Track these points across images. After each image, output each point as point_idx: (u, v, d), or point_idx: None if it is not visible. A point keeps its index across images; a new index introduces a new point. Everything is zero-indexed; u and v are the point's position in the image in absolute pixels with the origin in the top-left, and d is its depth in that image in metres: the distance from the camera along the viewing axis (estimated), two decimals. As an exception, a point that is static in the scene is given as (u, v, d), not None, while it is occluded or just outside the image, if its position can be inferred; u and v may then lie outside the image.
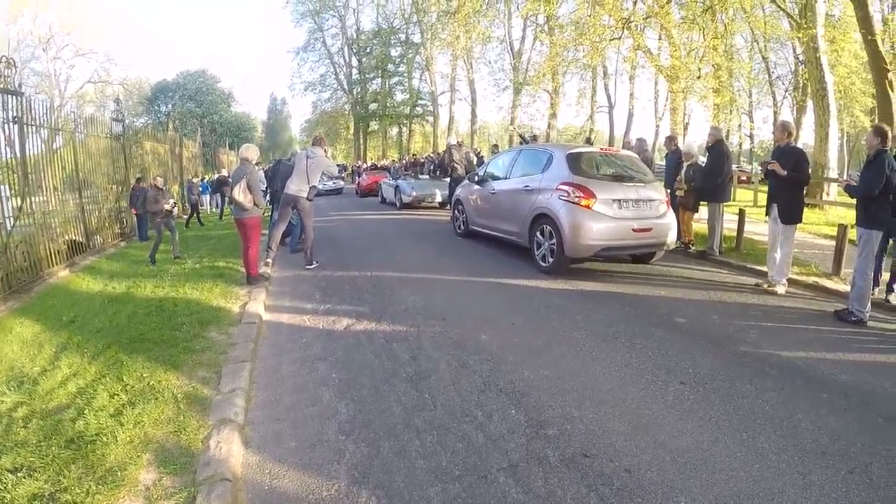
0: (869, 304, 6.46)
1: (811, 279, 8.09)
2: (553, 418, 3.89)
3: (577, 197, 7.92)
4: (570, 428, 3.75)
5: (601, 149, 10.11)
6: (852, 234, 7.55)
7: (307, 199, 9.01)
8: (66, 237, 10.61)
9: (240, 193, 7.85)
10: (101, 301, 7.30)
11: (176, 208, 12.20)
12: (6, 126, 8.46)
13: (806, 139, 34.52)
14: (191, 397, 4.24)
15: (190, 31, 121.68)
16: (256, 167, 14.01)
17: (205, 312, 6.48)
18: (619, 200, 8.08)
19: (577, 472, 3.26)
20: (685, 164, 9.98)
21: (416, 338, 5.64)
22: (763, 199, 18.19)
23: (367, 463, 3.41)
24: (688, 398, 4.22)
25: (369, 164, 43.64)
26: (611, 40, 20.65)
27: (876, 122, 12.47)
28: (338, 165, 52.57)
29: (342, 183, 33.72)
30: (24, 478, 3.17)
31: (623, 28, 19.33)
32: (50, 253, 9.49)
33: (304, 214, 9.18)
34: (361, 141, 59.54)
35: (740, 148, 43.53)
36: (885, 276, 7.28)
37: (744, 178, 25.81)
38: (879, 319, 6.57)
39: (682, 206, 9.99)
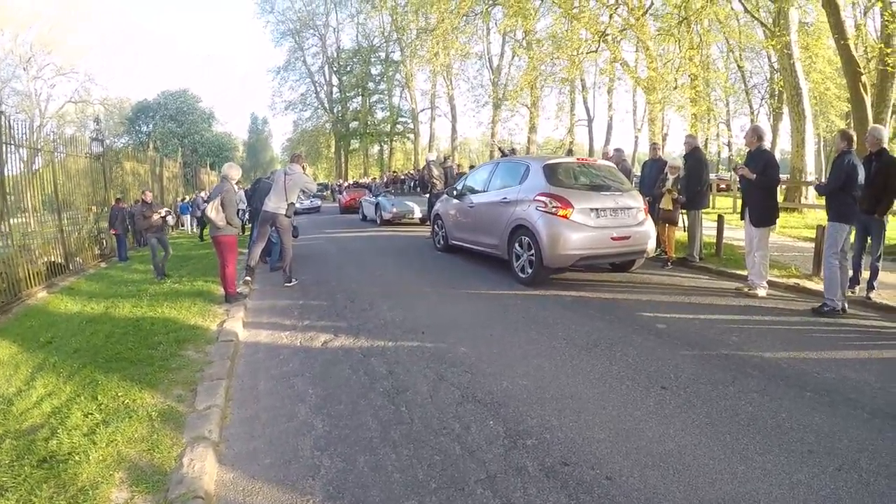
0: (839, 292, 6.64)
1: (792, 280, 8.12)
2: (532, 428, 3.80)
3: (554, 207, 7.89)
4: (550, 437, 3.67)
5: (578, 159, 10.09)
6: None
7: (285, 215, 8.89)
8: (46, 258, 10.48)
9: (212, 210, 7.76)
10: (78, 322, 7.19)
11: (170, 216, 11.99)
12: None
13: (783, 145, 34.92)
14: (165, 415, 4.16)
15: (159, 24, 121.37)
16: (237, 186, 13.91)
17: (182, 331, 6.40)
18: (597, 209, 8.05)
19: (556, 481, 3.17)
20: (671, 178, 9.83)
21: (393, 352, 5.54)
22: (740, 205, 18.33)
23: (343, 478, 3.32)
24: (669, 403, 4.15)
25: (351, 181, 43.54)
26: (588, 53, 20.76)
27: (850, 125, 12.62)
28: (319, 184, 52.67)
29: (319, 202, 33.76)
30: (-3, 498, 3.08)
31: (599, 41, 19.44)
32: (29, 275, 9.35)
33: (283, 231, 9.05)
34: (343, 159, 59.51)
35: (719, 156, 43.89)
36: (866, 274, 7.33)
37: (723, 185, 25.97)
38: (861, 317, 6.62)
39: (666, 220, 9.83)
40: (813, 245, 8.77)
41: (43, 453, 3.58)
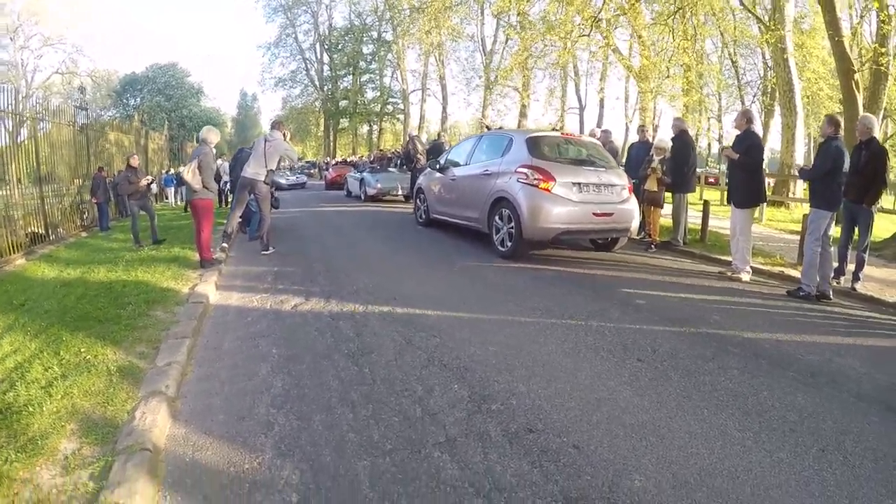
0: (817, 278, 6.60)
1: (776, 269, 7.97)
2: (498, 393, 3.61)
3: (535, 179, 7.68)
4: (516, 403, 3.47)
5: (563, 133, 9.88)
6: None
7: (264, 182, 8.62)
8: (28, 230, 10.27)
9: (188, 173, 7.64)
10: (53, 286, 7.03)
11: (154, 185, 11.73)
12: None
13: (773, 143, 34.89)
14: (124, 371, 4.07)
15: (154, 22, 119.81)
16: (221, 159, 13.56)
17: (153, 293, 6.27)
18: (580, 184, 7.85)
19: (520, 447, 2.97)
20: (656, 158, 9.59)
21: (362, 316, 5.36)
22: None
23: (296, 436, 3.18)
24: (645, 375, 3.96)
25: (339, 159, 43.14)
26: (580, 37, 20.48)
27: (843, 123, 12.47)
28: (307, 162, 52.24)
29: (305, 178, 33.00)
30: (-53, 446, 3.00)
31: (592, 26, 19.18)
32: (9, 244, 9.08)
33: (261, 199, 8.78)
34: (331, 138, 58.97)
35: (709, 150, 43.87)
36: (851, 266, 7.20)
37: (711, 179, 25.82)
38: (846, 306, 6.49)
39: (650, 201, 9.62)
40: (798, 237, 8.60)
41: None
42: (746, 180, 7.40)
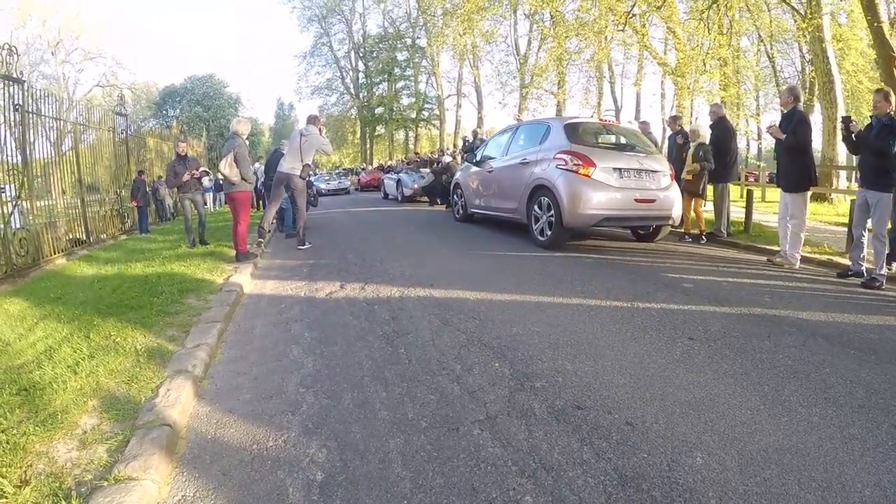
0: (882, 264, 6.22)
1: (824, 257, 7.58)
2: (542, 371, 3.42)
3: (575, 165, 7.46)
4: (562, 380, 3.27)
5: (601, 119, 9.62)
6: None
7: (300, 177, 8.60)
8: (70, 236, 10.25)
9: (226, 167, 7.67)
10: (91, 281, 7.05)
11: (207, 178, 11.47)
12: (7, 113, 8.14)
13: (814, 141, 34.03)
14: (152, 352, 4.05)
15: (192, 34, 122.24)
16: (258, 163, 13.58)
17: (187, 283, 6.29)
18: (621, 169, 7.62)
19: (567, 424, 2.78)
20: (692, 145, 9.15)
21: (398, 301, 5.26)
22: (769, 195, 17.75)
23: (324, 414, 3.07)
24: (699, 353, 3.73)
25: (375, 165, 43.39)
26: (614, 32, 20.18)
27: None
28: (344, 169, 52.55)
29: (348, 183, 32.44)
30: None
31: (626, 22, 18.85)
32: (52, 249, 9.17)
33: (297, 193, 8.77)
34: (368, 145, 59.26)
35: (748, 149, 42.93)
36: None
37: (751, 178, 25.20)
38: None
39: (689, 191, 9.14)
40: (845, 229, 8.21)
41: (24, 383, 3.51)
42: (795, 161, 7.00)
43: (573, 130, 8.02)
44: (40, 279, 7.77)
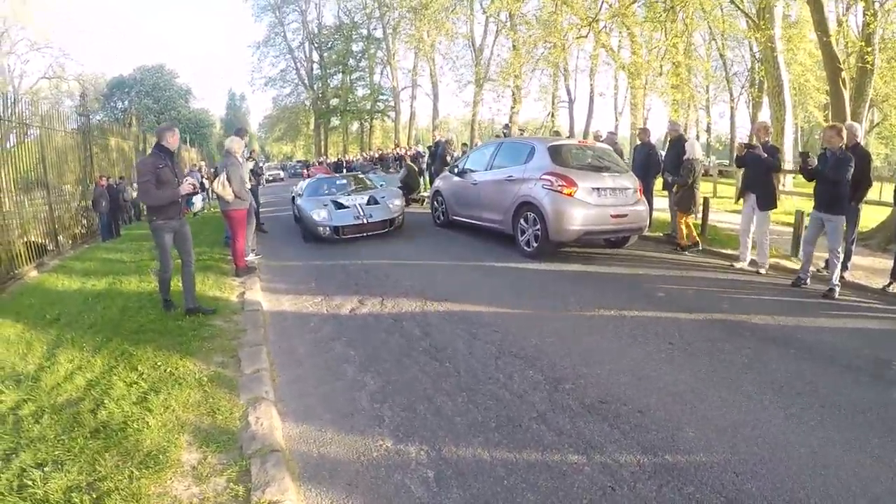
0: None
1: (772, 260, 8.60)
2: (567, 375, 4.43)
3: (560, 185, 8.45)
4: (584, 382, 4.31)
5: (579, 141, 10.71)
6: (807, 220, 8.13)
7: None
8: (25, 238, 9.60)
9: (220, 186, 7.93)
10: (83, 298, 7.03)
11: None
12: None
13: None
14: (215, 380, 4.30)
15: (141, 22, 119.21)
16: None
17: (203, 303, 6.30)
18: (598, 189, 8.64)
19: (598, 415, 3.80)
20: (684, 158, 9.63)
21: (422, 316, 6.06)
22: (721, 190, 18.65)
23: (408, 424, 3.72)
24: (677, 355, 4.85)
25: (329, 159, 43.04)
26: (576, 38, 21.07)
27: (829, 117, 13.16)
28: (298, 161, 52.47)
29: (282, 174, 33.19)
30: (53, 472, 3.08)
31: (589, 27, 19.76)
32: (15, 255, 8.83)
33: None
34: (322, 136, 59.38)
35: (697, 140, 44.35)
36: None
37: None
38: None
39: (677, 207, 9.81)
40: (791, 229, 9.46)
41: (93, 425, 3.59)
42: (769, 183, 8.27)
43: (556, 152, 8.99)
44: (20, 295, 7.60)
